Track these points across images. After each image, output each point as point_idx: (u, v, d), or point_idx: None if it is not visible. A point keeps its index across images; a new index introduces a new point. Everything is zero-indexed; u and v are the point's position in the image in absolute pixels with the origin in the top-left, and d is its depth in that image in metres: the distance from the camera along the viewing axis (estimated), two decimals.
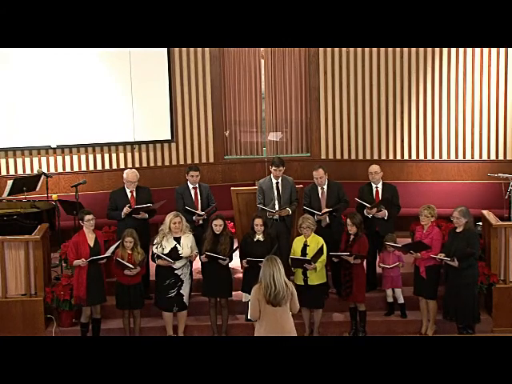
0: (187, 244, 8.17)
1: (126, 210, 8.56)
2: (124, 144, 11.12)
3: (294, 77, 11.50)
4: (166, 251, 8.08)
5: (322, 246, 8.04)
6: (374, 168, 8.95)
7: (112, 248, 8.14)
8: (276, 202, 8.70)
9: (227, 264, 8.27)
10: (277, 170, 8.72)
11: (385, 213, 8.69)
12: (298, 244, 8.19)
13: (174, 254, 8.07)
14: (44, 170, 10.45)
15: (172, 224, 8.11)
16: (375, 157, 11.28)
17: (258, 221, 8.21)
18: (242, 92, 11.56)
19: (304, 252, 8.08)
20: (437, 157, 11.17)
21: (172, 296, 8.14)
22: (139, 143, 11.16)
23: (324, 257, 8.05)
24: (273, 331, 6.37)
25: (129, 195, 8.73)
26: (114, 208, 8.70)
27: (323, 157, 11.40)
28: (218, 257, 8.07)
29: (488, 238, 8.71)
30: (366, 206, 8.70)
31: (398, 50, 11.06)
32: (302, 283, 8.07)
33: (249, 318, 6.84)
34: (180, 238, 8.17)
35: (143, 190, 8.84)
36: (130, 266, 8.03)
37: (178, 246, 8.13)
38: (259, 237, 8.22)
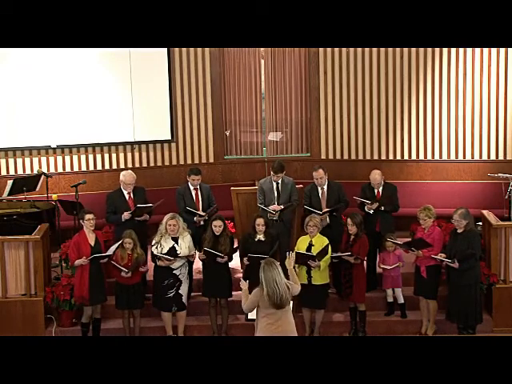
0: (185, 244, 8.18)
1: (126, 215, 8.54)
2: (124, 144, 11.11)
3: (294, 77, 11.50)
4: (165, 251, 8.09)
5: (327, 245, 8.04)
6: (377, 178, 8.84)
7: (113, 247, 8.15)
8: (276, 203, 8.69)
9: (227, 264, 8.27)
10: (274, 176, 8.72)
11: (377, 204, 8.67)
12: (302, 243, 8.19)
13: (172, 253, 8.08)
14: (44, 170, 10.45)
15: (167, 226, 8.13)
16: (375, 157, 11.28)
17: (260, 221, 8.20)
18: (242, 92, 11.55)
19: (309, 252, 8.07)
20: (437, 157, 11.17)
21: (171, 296, 8.14)
22: (139, 143, 11.16)
23: (328, 256, 8.06)
24: (277, 332, 6.41)
25: (126, 197, 8.72)
26: (113, 211, 8.65)
27: (323, 157, 11.40)
28: (216, 253, 8.05)
29: (488, 238, 8.71)
30: (366, 202, 8.70)
31: (397, 50, 11.06)
32: (306, 282, 8.07)
33: (242, 307, 6.89)
34: (178, 238, 8.18)
35: (139, 191, 8.83)
36: (124, 269, 8.05)
37: (176, 245, 8.13)
38: (260, 236, 8.22)
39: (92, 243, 8.12)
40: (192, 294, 8.71)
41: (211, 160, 11.46)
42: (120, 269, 8.05)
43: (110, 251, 8.12)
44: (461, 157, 11.11)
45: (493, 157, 11.01)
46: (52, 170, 10.81)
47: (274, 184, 8.75)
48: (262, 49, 11.44)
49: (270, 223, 8.44)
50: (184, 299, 8.23)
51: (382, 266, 8.64)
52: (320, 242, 8.11)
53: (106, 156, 11.10)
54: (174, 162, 11.34)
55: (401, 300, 8.62)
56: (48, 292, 8.49)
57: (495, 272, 8.56)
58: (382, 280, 8.73)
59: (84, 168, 11.03)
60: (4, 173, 10.71)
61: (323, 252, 7.97)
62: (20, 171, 10.78)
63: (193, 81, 11.30)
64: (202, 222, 8.71)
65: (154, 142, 11.23)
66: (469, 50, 10.86)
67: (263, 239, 8.21)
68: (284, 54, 11.47)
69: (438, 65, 11.02)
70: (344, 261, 8.18)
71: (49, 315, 8.59)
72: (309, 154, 11.57)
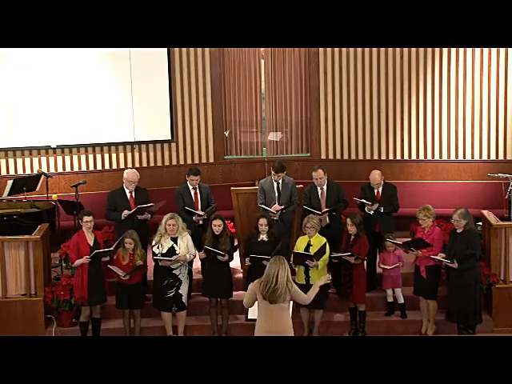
0: (184, 244, 8.18)
1: (126, 213, 8.54)
2: (124, 144, 11.11)
3: (294, 77, 11.50)
4: (164, 251, 8.10)
5: (325, 244, 8.03)
6: (376, 178, 8.84)
7: (114, 245, 8.16)
8: (276, 203, 8.69)
9: (228, 264, 8.27)
10: (275, 176, 8.72)
11: (377, 205, 8.68)
12: (301, 243, 8.19)
13: (172, 253, 8.08)
14: (44, 170, 10.45)
15: (167, 226, 8.13)
16: (375, 157, 11.28)
17: (263, 221, 8.19)
18: (242, 92, 11.55)
19: (307, 252, 8.07)
20: (437, 157, 11.17)
21: (171, 296, 8.14)
22: (139, 143, 11.16)
23: (326, 256, 8.05)
24: (269, 328, 6.42)
25: (128, 196, 8.72)
26: (113, 209, 8.67)
27: (323, 157, 11.40)
28: (216, 252, 8.05)
29: (488, 238, 8.71)
30: (366, 203, 8.71)
31: (397, 50, 11.06)
32: (304, 282, 8.06)
33: (244, 304, 6.91)
34: (177, 238, 8.18)
35: (141, 191, 8.84)
36: (121, 273, 8.05)
37: (175, 245, 8.14)
38: (263, 237, 8.21)
39: (91, 243, 8.12)
40: (192, 293, 8.71)
41: (211, 160, 11.46)
42: (117, 273, 8.07)
43: (112, 247, 8.13)
44: (461, 157, 11.11)
45: (493, 157, 11.01)
46: (52, 170, 10.81)
47: (275, 184, 8.74)
48: (262, 49, 11.44)
49: (272, 223, 8.44)
50: (184, 299, 8.23)
51: (381, 266, 8.64)
52: (318, 242, 8.10)
53: (106, 156, 11.10)
54: (174, 162, 11.34)
55: (401, 300, 8.62)
56: (48, 292, 8.49)
57: (495, 272, 8.56)
58: (381, 280, 8.73)
59: (84, 168, 11.03)
60: (4, 173, 10.71)
61: (321, 251, 7.96)
62: (20, 171, 10.78)
63: (193, 81, 11.30)
64: (200, 222, 8.72)
65: (154, 142, 11.23)
66: (469, 50, 10.86)
67: (266, 239, 8.20)
68: (284, 54, 11.47)
69: (438, 65, 11.02)
70: (344, 261, 8.18)
71: (49, 315, 8.59)
72: (309, 154, 11.57)
